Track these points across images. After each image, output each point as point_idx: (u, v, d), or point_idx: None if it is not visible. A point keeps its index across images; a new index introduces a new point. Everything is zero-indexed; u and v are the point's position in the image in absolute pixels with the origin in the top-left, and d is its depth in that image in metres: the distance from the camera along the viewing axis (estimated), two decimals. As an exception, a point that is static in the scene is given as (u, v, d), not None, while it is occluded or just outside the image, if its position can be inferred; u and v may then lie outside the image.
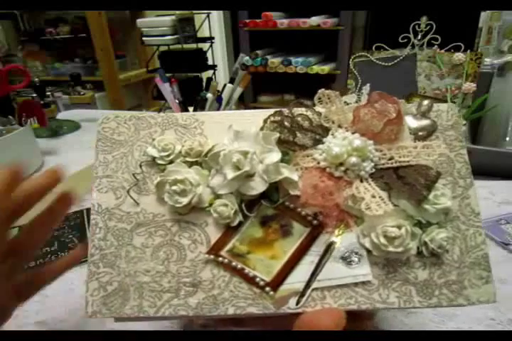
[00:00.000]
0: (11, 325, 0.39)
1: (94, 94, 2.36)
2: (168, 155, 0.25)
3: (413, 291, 0.23)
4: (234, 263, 0.23)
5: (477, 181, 0.66)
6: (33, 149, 0.79)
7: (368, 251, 0.23)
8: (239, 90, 0.81)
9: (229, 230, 0.24)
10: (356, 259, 0.23)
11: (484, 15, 1.13)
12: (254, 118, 0.26)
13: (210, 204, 0.24)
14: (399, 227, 0.22)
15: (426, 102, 0.26)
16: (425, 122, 0.26)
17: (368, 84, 0.25)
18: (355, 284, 0.23)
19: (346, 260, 0.23)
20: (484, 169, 0.79)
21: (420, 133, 0.25)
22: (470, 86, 0.73)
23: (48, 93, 1.06)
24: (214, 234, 0.24)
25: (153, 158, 0.25)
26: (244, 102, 2.49)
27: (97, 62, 2.46)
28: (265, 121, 0.24)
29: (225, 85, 0.82)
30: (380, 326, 0.38)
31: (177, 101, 0.80)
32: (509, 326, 0.38)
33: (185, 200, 0.23)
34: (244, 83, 0.80)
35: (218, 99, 0.82)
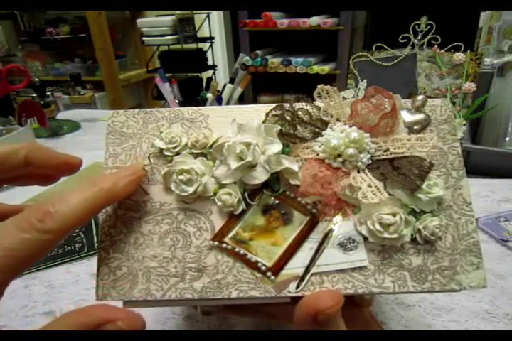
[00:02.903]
0: (19, 315, 0.41)
1: (94, 94, 2.37)
2: (175, 147, 0.26)
3: (407, 276, 0.24)
4: (237, 249, 0.24)
5: (478, 179, 0.67)
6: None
7: (365, 238, 0.24)
8: (239, 90, 0.82)
9: (232, 218, 0.25)
10: (353, 246, 0.24)
11: (484, 15, 1.14)
12: (256, 113, 0.27)
13: (215, 193, 0.25)
14: (393, 215, 0.23)
15: (420, 97, 0.27)
16: (419, 116, 0.27)
17: (365, 80, 0.26)
18: (352, 269, 0.24)
19: (344, 246, 0.24)
20: (484, 169, 0.81)
21: (415, 127, 0.26)
22: (470, 86, 0.73)
23: (48, 93, 1.07)
24: (218, 222, 0.25)
25: (161, 150, 0.26)
26: (244, 102, 2.50)
27: (97, 62, 2.47)
28: (267, 114, 0.26)
29: (225, 85, 0.83)
30: (378, 319, 0.39)
31: (177, 101, 0.81)
32: (504, 319, 0.39)
33: (191, 189, 0.24)
34: (244, 83, 0.81)
35: (218, 99, 0.83)
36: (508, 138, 0.98)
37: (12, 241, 0.18)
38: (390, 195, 0.24)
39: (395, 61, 0.78)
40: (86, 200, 0.20)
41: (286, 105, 0.26)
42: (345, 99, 0.26)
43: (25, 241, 0.18)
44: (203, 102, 0.82)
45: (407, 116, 0.27)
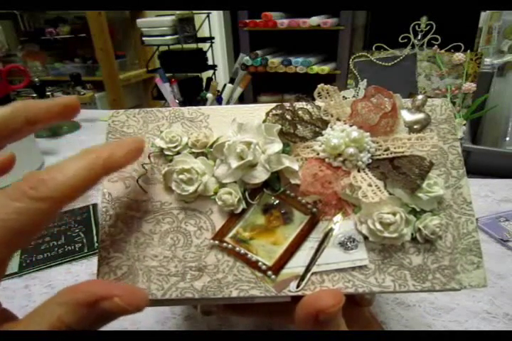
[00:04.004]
0: (19, 315, 0.41)
1: (94, 94, 2.36)
2: (176, 147, 0.26)
3: (408, 275, 0.24)
4: (237, 249, 0.24)
5: (478, 179, 0.67)
6: (33, 149, 0.79)
7: (365, 238, 0.24)
8: (239, 90, 0.82)
9: (233, 217, 0.25)
10: (354, 245, 0.24)
11: (484, 15, 1.14)
12: (256, 112, 0.27)
13: (215, 193, 0.25)
14: (394, 214, 0.23)
15: (420, 97, 0.27)
16: (420, 116, 0.27)
17: (365, 80, 0.26)
18: (353, 268, 0.24)
19: (344, 246, 0.24)
20: (484, 169, 0.81)
21: (415, 127, 0.26)
22: (470, 86, 0.73)
23: (48, 93, 1.07)
24: (218, 221, 0.25)
25: (161, 149, 0.26)
26: (244, 102, 2.50)
27: (97, 62, 2.47)
28: (267, 114, 0.26)
29: (225, 85, 0.83)
30: (378, 319, 0.39)
31: (177, 101, 0.81)
32: (504, 319, 0.39)
33: (191, 188, 0.24)
34: (245, 83, 0.81)
35: (218, 99, 0.83)
36: (508, 138, 0.98)
37: (5, 211, 0.17)
38: (390, 194, 0.24)
39: (395, 61, 0.78)
40: (82, 168, 0.19)
41: (287, 104, 0.26)
42: (346, 98, 0.26)
43: (18, 210, 0.17)
44: (203, 102, 0.82)
45: (407, 116, 0.27)
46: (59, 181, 0.18)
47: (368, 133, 0.25)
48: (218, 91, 0.83)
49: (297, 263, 0.24)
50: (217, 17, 2.67)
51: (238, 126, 0.25)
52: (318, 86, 0.26)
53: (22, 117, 0.22)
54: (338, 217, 0.25)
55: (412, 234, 0.24)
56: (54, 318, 0.17)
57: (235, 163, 0.24)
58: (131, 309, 0.18)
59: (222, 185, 0.25)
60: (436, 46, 0.75)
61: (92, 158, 0.20)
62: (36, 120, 0.22)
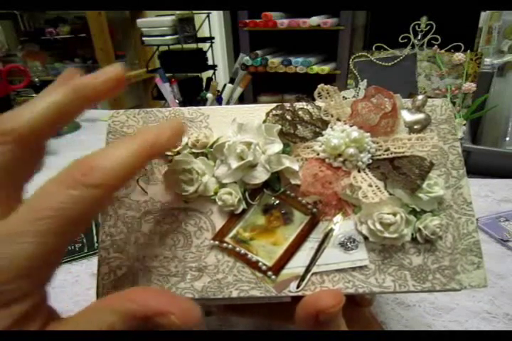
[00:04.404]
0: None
1: (95, 94, 2.36)
2: (176, 147, 0.26)
3: (408, 276, 0.24)
4: (238, 249, 0.24)
5: (478, 179, 0.67)
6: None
7: (365, 238, 0.24)
8: (239, 90, 0.82)
9: (233, 218, 0.25)
10: (354, 245, 0.24)
11: (484, 15, 1.14)
12: (257, 112, 0.27)
13: (215, 193, 0.25)
14: (394, 214, 0.23)
15: (420, 97, 0.27)
16: (420, 116, 0.27)
17: (365, 80, 0.26)
18: (353, 269, 0.24)
19: (344, 246, 0.24)
20: (484, 169, 0.81)
21: (415, 127, 0.26)
22: (470, 86, 0.73)
23: (48, 93, 1.07)
24: (219, 222, 0.25)
25: (161, 150, 0.26)
26: (244, 102, 2.50)
27: (97, 62, 2.47)
28: (267, 114, 0.26)
29: (225, 85, 0.83)
30: (378, 319, 0.39)
31: (177, 101, 0.81)
32: (504, 319, 0.39)
33: (191, 189, 0.24)
34: (245, 83, 0.81)
35: (218, 99, 0.83)
36: (508, 138, 0.98)
37: (61, 200, 0.16)
38: (390, 194, 0.24)
39: (395, 61, 0.77)
40: (130, 154, 0.18)
41: (287, 105, 0.26)
42: (346, 98, 0.26)
43: (74, 199, 0.16)
44: (203, 102, 0.82)
45: (407, 116, 0.27)
46: (110, 167, 0.17)
47: (368, 134, 0.25)
48: (218, 91, 0.83)
49: (297, 263, 0.24)
50: (217, 17, 2.67)
51: (238, 127, 0.25)
52: (319, 86, 0.26)
53: (82, 98, 0.20)
54: (338, 218, 0.25)
55: (413, 235, 0.24)
56: (105, 325, 0.16)
57: (235, 164, 0.24)
58: (184, 327, 0.17)
59: (223, 185, 0.25)
60: (436, 46, 0.75)
61: (139, 143, 0.19)
62: (95, 98, 0.21)
